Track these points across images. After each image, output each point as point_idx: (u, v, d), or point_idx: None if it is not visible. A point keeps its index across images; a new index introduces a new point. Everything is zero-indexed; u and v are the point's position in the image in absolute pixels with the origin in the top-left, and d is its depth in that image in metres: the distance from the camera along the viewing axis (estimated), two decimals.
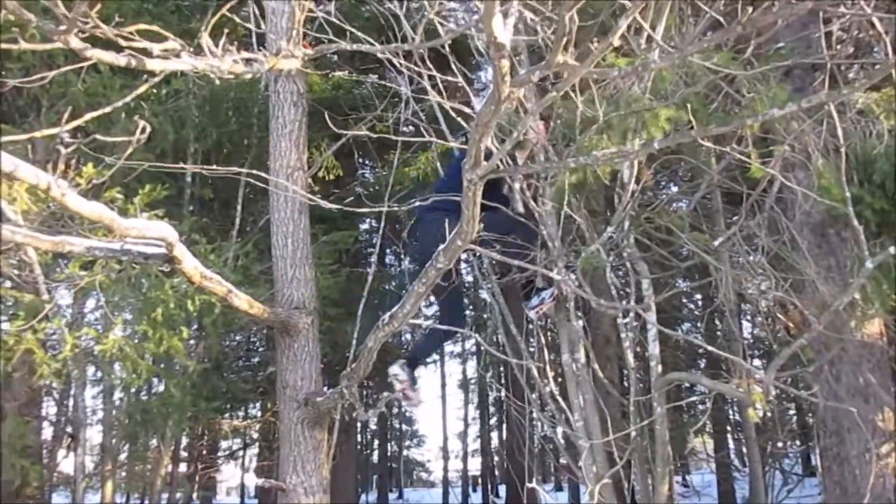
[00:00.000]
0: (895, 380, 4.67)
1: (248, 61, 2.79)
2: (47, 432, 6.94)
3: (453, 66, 4.02)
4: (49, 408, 7.37)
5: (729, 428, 16.66)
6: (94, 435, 7.51)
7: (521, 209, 4.16)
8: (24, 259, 4.26)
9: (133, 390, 6.23)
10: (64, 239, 3.12)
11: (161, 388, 5.91)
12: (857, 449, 4.68)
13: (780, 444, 14.96)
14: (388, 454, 25.44)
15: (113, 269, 3.87)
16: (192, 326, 5.01)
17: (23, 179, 2.17)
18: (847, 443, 4.82)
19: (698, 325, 15.08)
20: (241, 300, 3.74)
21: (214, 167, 4.70)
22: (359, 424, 18.40)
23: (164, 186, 4.53)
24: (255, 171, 4.20)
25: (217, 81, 3.56)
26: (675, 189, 9.41)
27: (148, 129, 2.58)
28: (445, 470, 24.08)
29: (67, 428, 6.89)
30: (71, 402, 6.00)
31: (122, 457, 6.39)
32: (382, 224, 6.93)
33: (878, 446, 4.71)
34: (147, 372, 4.24)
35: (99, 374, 5.91)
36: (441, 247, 2.78)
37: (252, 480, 27.00)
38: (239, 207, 6.35)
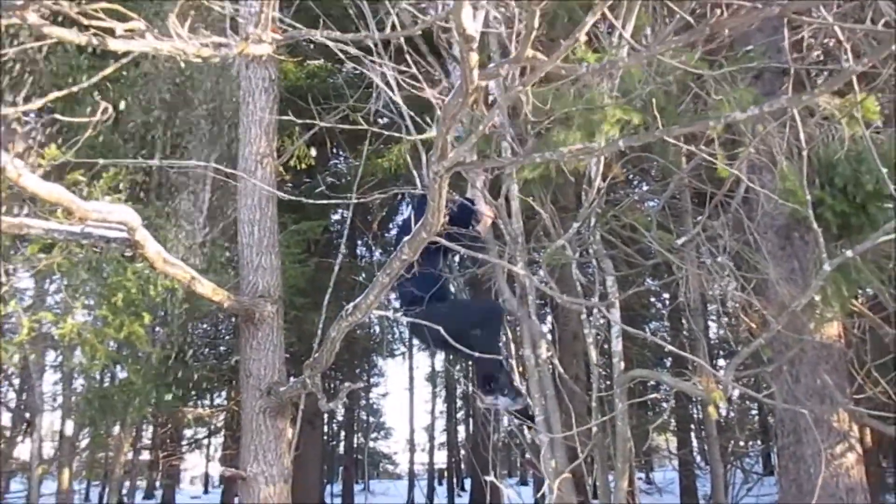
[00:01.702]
0: (851, 382, 4.76)
1: (217, 45, 2.75)
2: (5, 419, 6.82)
3: (428, 58, 4.02)
4: (8, 394, 7.23)
5: (692, 426, 16.91)
6: (54, 421, 7.40)
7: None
8: None
9: (93, 376, 6.15)
10: (22, 220, 3.05)
11: (122, 374, 5.82)
12: (813, 448, 4.77)
13: (741, 444, 15.23)
14: (355, 446, 25.39)
15: (73, 252, 3.80)
16: (154, 313, 4.94)
17: None
18: (804, 442, 4.92)
19: (664, 323, 15.28)
20: (205, 286, 3.69)
21: (179, 163, 4.66)
22: (325, 416, 18.36)
23: (129, 171, 4.45)
24: (219, 167, 4.16)
25: (183, 65, 3.50)
26: (646, 188, 9.51)
27: (111, 111, 2.53)
28: (412, 463, 24.12)
29: (25, 414, 6.76)
30: (29, 388, 5.88)
31: (82, 444, 6.30)
32: (352, 214, 6.88)
33: (833, 446, 4.81)
34: (107, 358, 4.17)
35: (59, 359, 5.81)
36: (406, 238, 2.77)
37: (217, 470, 26.86)
38: (206, 194, 6.27)
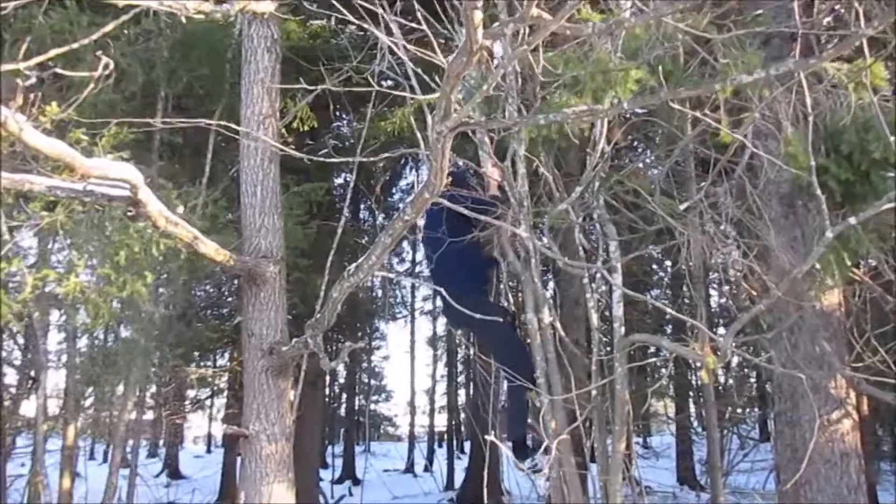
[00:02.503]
0: (850, 350, 4.79)
1: (218, 1, 2.73)
2: (11, 377, 6.90)
3: (432, 20, 3.97)
4: (13, 352, 7.30)
5: (690, 393, 17.06)
6: (58, 381, 7.49)
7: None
8: None
9: (96, 335, 6.20)
10: (24, 177, 3.05)
11: (126, 333, 5.86)
12: (809, 414, 4.82)
13: (738, 410, 15.39)
14: (356, 408, 25.70)
15: (76, 210, 3.80)
16: (157, 272, 4.96)
17: None
18: (800, 408, 4.97)
19: (666, 291, 15.33)
20: (208, 247, 3.70)
21: (181, 121, 4.62)
22: (327, 378, 18.55)
23: (132, 129, 4.42)
24: (223, 123, 4.13)
25: (184, 20, 3.47)
26: (650, 154, 9.46)
27: (112, 67, 2.51)
28: (412, 425, 24.44)
29: (30, 371, 6.84)
30: (34, 346, 5.94)
31: (87, 402, 6.38)
32: (355, 177, 6.87)
33: (829, 413, 4.86)
34: (110, 316, 4.20)
35: (63, 318, 5.85)
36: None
37: (219, 430, 27.22)
38: (209, 155, 6.24)
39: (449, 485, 18.38)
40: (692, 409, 18.05)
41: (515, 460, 4.09)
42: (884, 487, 13.81)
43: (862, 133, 3.56)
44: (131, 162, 3.13)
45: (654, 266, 15.38)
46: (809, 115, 3.13)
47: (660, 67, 2.94)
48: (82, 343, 6.22)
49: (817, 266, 3.59)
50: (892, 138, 2.95)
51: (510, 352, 4.16)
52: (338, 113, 10.97)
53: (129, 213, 3.95)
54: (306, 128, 7.19)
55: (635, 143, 10.21)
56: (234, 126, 3.97)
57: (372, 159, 4.16)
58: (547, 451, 3.98)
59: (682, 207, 3.87)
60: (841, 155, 3.63)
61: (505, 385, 3.98)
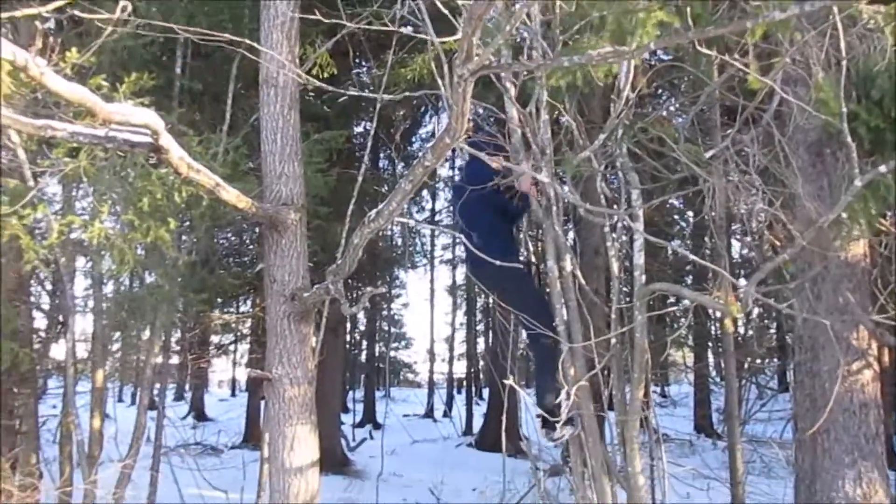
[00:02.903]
0: (874, 301, 4.75)
1: None
2: (40, 322, 7.05)
3: None
4: (42, 297, 7.45)
5: (709, 343, 17.11)
6: (86, 327, 7.66)
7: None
8: (8, 144, 4.19)
9: (122, 280, 6.30)
10: (47, 123, 3.05)
11: (151, 279, 5.95)
12: (830, 365, 4.82)
13: (757, 360, 15.42)
14: (376, 355, 26.10)
15: (98, 157, 3.82)
16: (180, 219, 5.00)
17: None
18: (820, 358, 4.96)
19: (688, 241, 15.24)
20: (230, 194, 3.71)
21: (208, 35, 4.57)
22: (347, 325, 18.79)
23: (152, 76, 4.40)
24: (252, 44, 4.08)
25: None
26: (675, 102, 9.28)
27: (129, 9, 2.49)
28: (431, 372, 24.82)
29: (58, 316, 6.99)
30: (61, 291, 6.05)
31: (114, 346, 6.52)
32: (375, 125, 6.80)
33: (850, 363, 4.85)
34: (135, 262, 4.25)
35: (89, 263, 5.95)
36: None
37: (243, 375, 27.84)
38: (229, 101, 6.22)
39: (468, 430, 18.74)
40: (711, 358, 18.14)
41: (543, 431, 4.14)
42: None
43: (895, 79, 3.45)
44: (152, 108, 3.12)
45: (676, 216, 15.27)
46: (842, 60, 3.03)
47: (687, 9, 2.85)
48: (108, 289, 6.33)
49: (843, 216, 3.53)
50: None
51: (534, 309, 4.16)
52: (357, 60, 10.84)
53: (150, 160, 3.98)
54: (326, 75, 7.12)
55: (660, 91, 10.02)
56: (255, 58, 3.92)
57: (392, 97, 4.11)
58: (571, 421, 4.03)
59: (707, 155, 3.80)
60: (872, 101, 3.53)
61: (532, 353, 3.99)
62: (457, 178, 4.66)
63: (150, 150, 3.21)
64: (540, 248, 4.36)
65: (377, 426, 18.96)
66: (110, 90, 3.93)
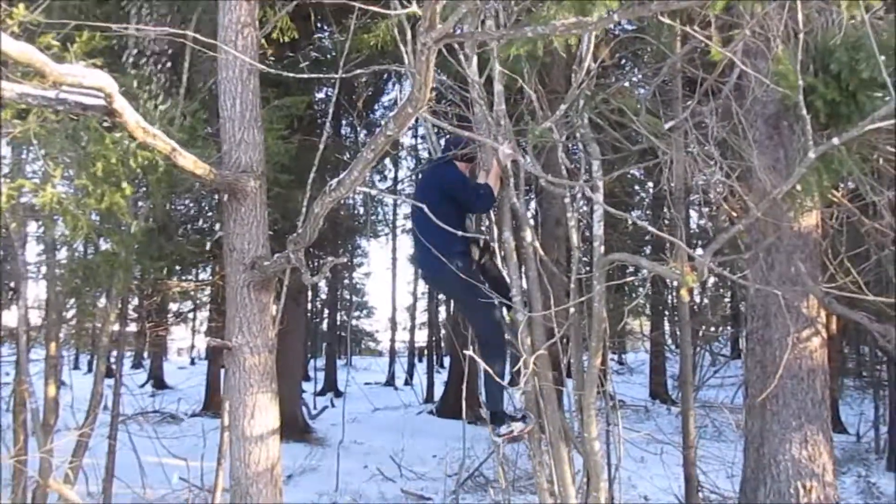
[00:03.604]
0: (824, 271, 4.89)
1: None
2: None
3: None
4: None
5: (666, 311, 17.47)
6: (39, 293, 7.48)
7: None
8: None
9: (76, 246, 6.16)
10: None
11: (106, 246, 5.83)
12: (781, 332, 4.98)
13: (712, 328, 15.82)
14: (338, 323, 26.07)
15: (49, 119, 3.70)
16: (135, 185, 4.88)
17: None
18: (772, 326, 5.12)
19: (647, 212, 15.46)
20: (187, 159, 3.63)
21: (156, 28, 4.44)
22: (309, 293, 18.71)
23: (105, 36, 4.25)
24: (199, 37, 3.97)
25: None
26: (637, 73, 9.33)
27: None
28: (393, 340, 24.88)
29: (10, 283, 6.82)
30: (12, 256, 5.88)
31: (69, 314, 6.39)
32: (337, 91, 6.71)
33: (800, 331, 5.01)
34: (89, 228, 4.15)
35: (41, 229, 5.79)
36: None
37: (203, 342, 27.60)
38: (186, 65, 6.04)
39: (428, 397, 18.91)
40: (667, 327, 18.54)
41: (492, 429, 4.21)
42: (845, 402, 14.44)
43: (852, 52, 3.52)
44: (105, 70, 3.03)
45: (636, 187, 15.46)
46: (800, 33, 3.08)
47: None
48: (62, 254, 6.18)
49: (797, 187, 3.61)
50: (881, 58, 2.91)
51: (489, 328, 4.17)
52: (319, 24, 10.63)
53: (104, 123, 3.87)
54: (286, 39, 6.97)
55: (623, 62, 10.06)
56: (208, 41, 3.82)
57: (355, 73, 4.04)
58: (523, 417, 4.11)
59: (666, 127, 3.84)
60: (829, 74, 3.59)
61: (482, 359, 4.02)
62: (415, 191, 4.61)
63: (104, 113, 3.12)
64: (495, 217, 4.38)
65: (338, 394, 19.02)
66: (61, 50, 3.79)
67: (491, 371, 3.98)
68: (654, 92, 4.67)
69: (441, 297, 21.76)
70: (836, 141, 2.88)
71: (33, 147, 4.19)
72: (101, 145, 3.80)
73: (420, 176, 4.41)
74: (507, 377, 4.18)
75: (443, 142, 4.77)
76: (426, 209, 3.96)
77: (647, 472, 9.25)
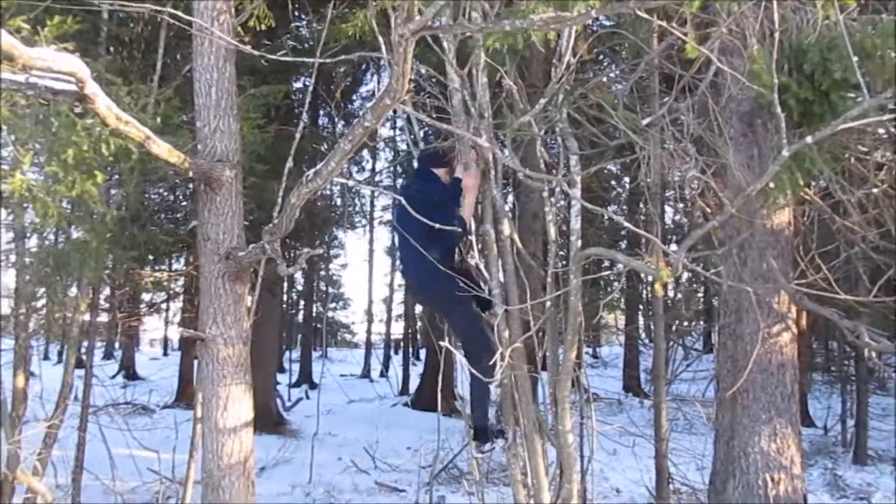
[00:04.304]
0: (795, 267, 4.96)
1: None
2: None
3: None
4: None
5: (640, 306, 17.65)
6: (9, 280, 7.35)
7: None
8: None
9: (46, 234, 6.05)
10: None
11: (77, 234, 5.73)
12: (752, 328, 5.04)
13: (685, 323, 15.99)
14: (314, 315, 25.95)
15: (18, 104, 3.62)
16: (108, 173, 4.81)
17: None
18: (744, 321, 5.18)
19: (623, 207, 15.57)
20: (161, 147, 3.58)
21: (130, 6, 4.37)
22: (284, 285, 18.59)
23: (77, 20, 4.16)
24: (175, 13, 3.92)
25: None
26: (615, 68, 9.37)
27: None
28: (369, 332, 24.86)
29: None
30: None
31: (40, 303, 6.29)
32: (314, 81, 6.65)
33: (770, 326, 5.08)
34: (59, 216, 4.08)
35: (10, 216, 5.68)
36: None
37: (176, 333, 27.33)
38: (161, 50, 5.95)
39: (404, 389, 18.92)
40: (641, 321, 18.72)
41: (475, 444, 4.22)
42: (814, 396, 14.70)
43: (825, 52, 3.56)
44: (76, 55, 2.97)
45: (613, 182, 15.56)
46: (776, 32, 3.11)
47: None
48: (32, 242, 6.08)
49: (771, 185, 3.66)
50: (854, 59, 2.95)
51: (474, 338, 4.15)
52: (297, 13, 10.52)
53: (76, 109, 3.79)
54: (263, 27, 6.89)
55: (601, 57, 10.10)
56: (187, 17, 3.76)
57: (333, 60, 4.00)
58: (503, 433, 4.12)
59: (643, 123, 3.87)
60: (803, 74, 3.64)
61: (467, 372, 4.03)
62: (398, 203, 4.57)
63: (75, 98, 3.06)
64: (478, 210, 4.37)
65: (313, 386, 18.95)
66: (31, 33, 3.71)
67: (479, 379, 4.02)
68: (632, 88, 4.70)
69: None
70: (809, 140, 2.92)
71: (2, 132, 4.11)
72: (72, 132, 3.73)
73: (404, 190, 4.37)
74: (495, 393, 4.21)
75: (418, 152, 4.77)
76: (415, 231, 4.01)
77: (620, 465, 9.36)
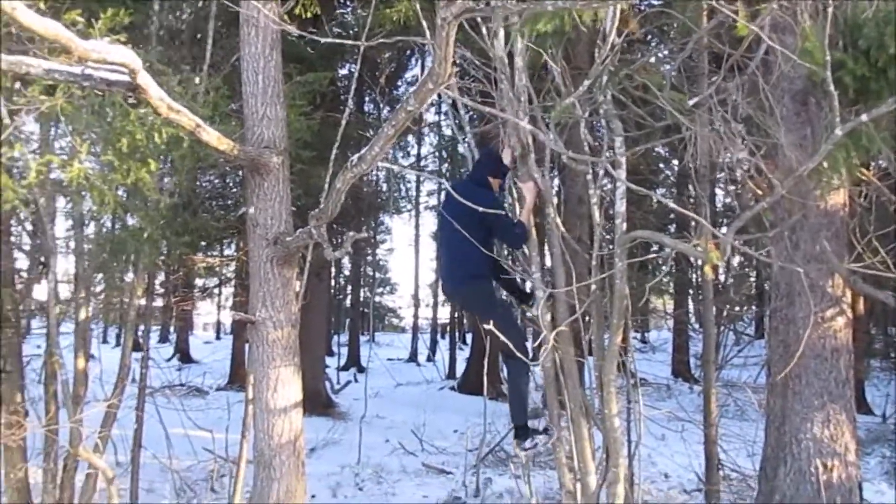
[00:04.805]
0: (850, 250, 4.82)
1: None
2: (22, 262, 7.00)
3: None
4: (23, 238, 7.38)
5: (689, 290, 17.33)
6: (68, 268, 7.61)
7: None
8: None
9: (103, 221, 6.25)
10: (21, 59, 2.99)
11: (133, 221, 5.91)
12: (805, 311, 4.92)
13: (736, 308, 15.69)
14: (361, 300, 26.24)
15: (75, 95, 3.74)
16: (160, 160, 4.94)
17: None
18: (796, 305, 5.07)
19: (671, 190, 15.29)
20: (210, 135, 3.67)
21: None
22: (332, 270, 18.84)
23: (129, 12, 4.27)
24: (226, 2, 3.99)
25: None
26: (663, 48, 9.18)
27: None
28: (415, 317, 25.00)
29: (40, 257, 6.94)
30: (41, 231, 5.99)
31: (97, 288, 6.50)
32: (359, 68, 6.69)
33: (824, 310, 4.95)
34: (115, 204, 4.21)
35: (69, 204, 5.88)
36: None
37: (228, 318, 27.96)
38: (209, 40, 6.06)
39: (450, 374, 19.03)
40: (690, 305, 18.40)
41: (516, 441, 4.23)
42: (871, 383, 14.28)
43: (882, 27, 3.43)
44: (129, 46, 3.05)
45: (660, 164, 15.28)
46: (829, 7, 3.01)
47: None
48: (90, 229, 6.28)
49: (824, 165, 3.55)
50: None
51: (510, 337, 4.14)
52: (342, 0, 10.60)
53: (129, 100, 3.90)
54: (309, 14, 6.96)
55: (648, 37, 9.89)
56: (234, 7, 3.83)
57: (377, 43, 4.02)
58: (546, 431, 4.13)
59: (691, 103, 3.79)
60: (858, 50, 3.51)
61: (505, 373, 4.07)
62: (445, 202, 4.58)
63: (128, 89, 3.16)
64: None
65: (361, 369, 19.20)
66: (86, 26, 3.82)
67: (514, 380, 4.04)
68: (679, 68, 4.61)
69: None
70: (864, 118, 2.83)
71: (60, 123, 4.24)
72: (126, 121, 3.84)
73: (452, 187, 4.36)
74: (531, 394, 4.23)
75: (477, 153, 4.77)
76: (457, 225, 4.04)
77: (668, 450, 9.25)
